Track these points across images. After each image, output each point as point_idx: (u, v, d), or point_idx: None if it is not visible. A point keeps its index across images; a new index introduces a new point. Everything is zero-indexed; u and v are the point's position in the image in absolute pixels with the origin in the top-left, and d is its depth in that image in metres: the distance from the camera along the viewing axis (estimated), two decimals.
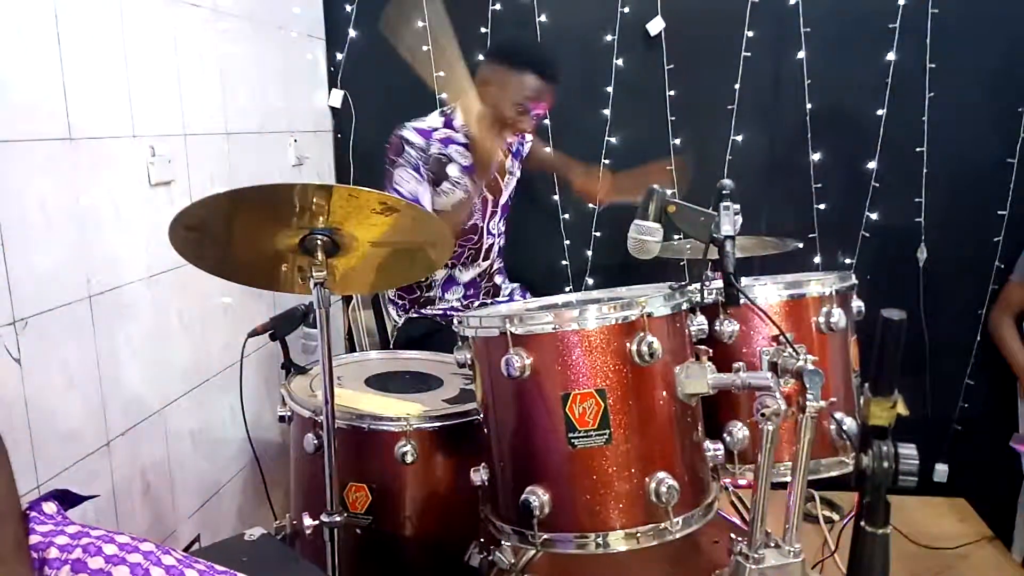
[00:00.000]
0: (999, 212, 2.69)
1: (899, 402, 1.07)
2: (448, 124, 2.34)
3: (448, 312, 2.42)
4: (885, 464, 1.07)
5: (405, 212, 1.45)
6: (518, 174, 2.55)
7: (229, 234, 1.45)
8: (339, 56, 2.87)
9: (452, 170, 2.31)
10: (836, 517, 2.50)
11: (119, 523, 1.73)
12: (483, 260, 2.48)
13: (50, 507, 1.08)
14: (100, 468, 1.68)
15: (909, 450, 1.08)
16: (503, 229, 2.54)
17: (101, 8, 1.67)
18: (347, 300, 2.70)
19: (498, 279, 2.57)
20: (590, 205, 2.84)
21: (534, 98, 2.20)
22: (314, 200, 1.36)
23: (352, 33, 2.85)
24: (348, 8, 2.83)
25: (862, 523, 1.11)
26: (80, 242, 1.62)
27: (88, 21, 1.62)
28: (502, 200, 2.48)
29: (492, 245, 2.49)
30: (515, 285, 2.62)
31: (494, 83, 2.23)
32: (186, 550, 1.32)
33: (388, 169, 2.27)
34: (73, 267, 1.60)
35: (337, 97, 2.89)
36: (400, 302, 2.48)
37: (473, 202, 2.32)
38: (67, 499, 1.13)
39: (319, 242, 1.41)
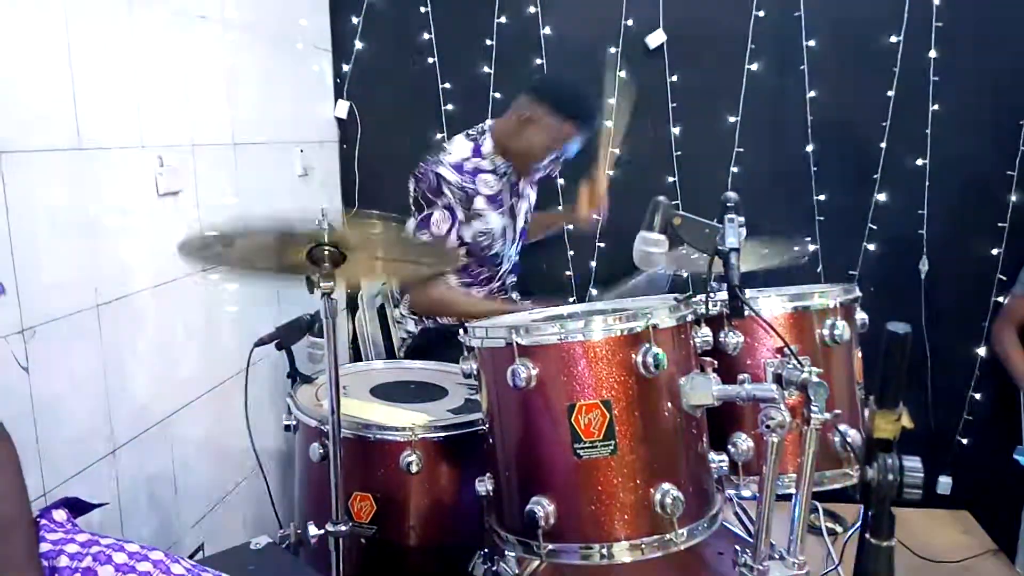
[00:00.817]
0: (999, 224, 2.70)
1: (904, 415, 1.08)
2: (476, 152, 2.30)
3: (464, 320, 2.41)
4: (890, 477, 1.07)
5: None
6: (532, 200, 2.55)
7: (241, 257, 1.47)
8: (345, 68, 2.89)
9: (478, 202, 2.27)
10: (839, 529, 2.50)
11: (124, 531, 1.74)
12: (496, 281, 2.49)
13: (60, 515, 1.09)
14: (106, 476, 1.69)
15: (914, 463, 1.08)
16: (515, 256, 2.55)
17: (111, 19, 1.69)
18: (352, 309, 2.71)
19: (514, 296, 2.59)
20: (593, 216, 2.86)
21: (570, 143, 2.25)
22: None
23: (358, 45, 2.87)
24: (355, 20, 2.85)
25: (867, 535, 1.11)
26: (88, 251, 1.63)
27: (98, 32, 1.64)
28: (518, 225, 2.48)
29: (506, 270, 2.50)
30: (527, 301, 2.62)
31: (535, 124, 2.21)
32: (190, 559, 1.33)
33: (423, 205, 2.24)
34: (81, 276, 1.61)
35: (343, 108, 2.91)
36: (415, 316, 2.48)
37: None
38: (77, 507, 1.13)
39: (326, 252, 1.42)
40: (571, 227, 2.85)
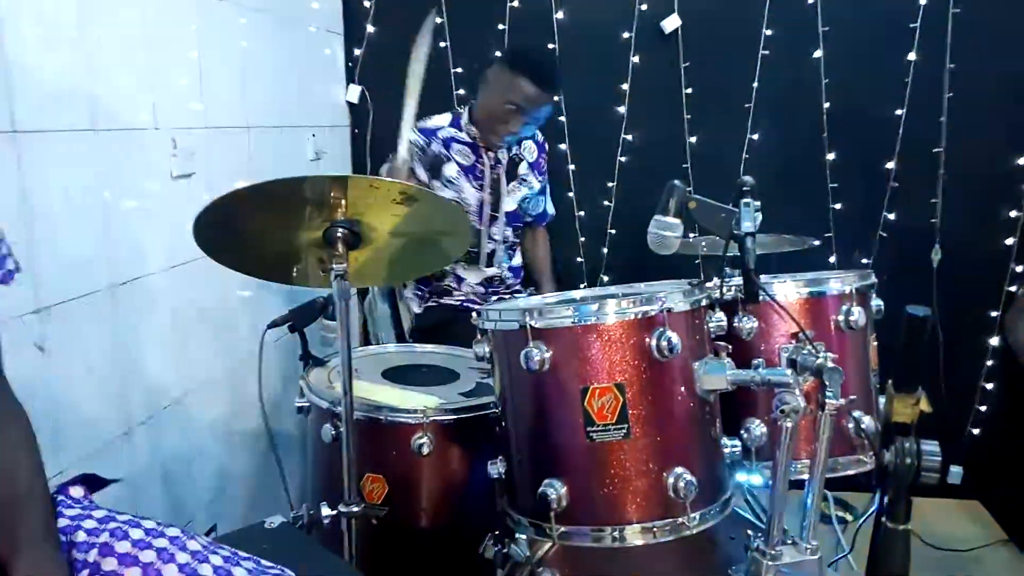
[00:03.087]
0: (1012, 214, 2.68)
1: (923, 399, 1.07)
2: (455, 123, 2.44)
3: (465, 303, 2.43)
4: (908, 461, 1.07)
5: (424, 201, 1.47)
6: (535, 186, 2.56)
7: (252, 229, 1.47)
8: (357, 52, 2.89)
9: (449, 169, 2.38)
10: (849, 517, 2.50)
11: (137, 511, 1.73)
12: (485, 266, 2.48)
13: (77, 491, 1.09)
14: (120, 455, 1.70)
15: (932, 447, 1.08)
16: (509, 237, 2.53)
17: (125, 1, 1.68)
18: (363, 293, 2.72)
19: (508, 279, 2.59)
20: (605, 203, 2.86)
21: (526, 102, 2.27)
22: (332, 194, 1.38)
23: (370, 29, 2.86)
24: (367, 3, 2.84)
25: (883, 519, 1.11)
26: (103, 233, 1.63)
27: (112, 14, 1.64)
28: (506, 207, 2.48)
29: (494, 251, 2.49)
30: None
31: (492, 82, 2.34)
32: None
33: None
34: (96, 257, 1.62)
35: (355, 92, 2.90)
36: (420, 293, 2.51)
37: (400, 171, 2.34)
38: (92, 483, 1.14)
39: (340, 234, 1.43)
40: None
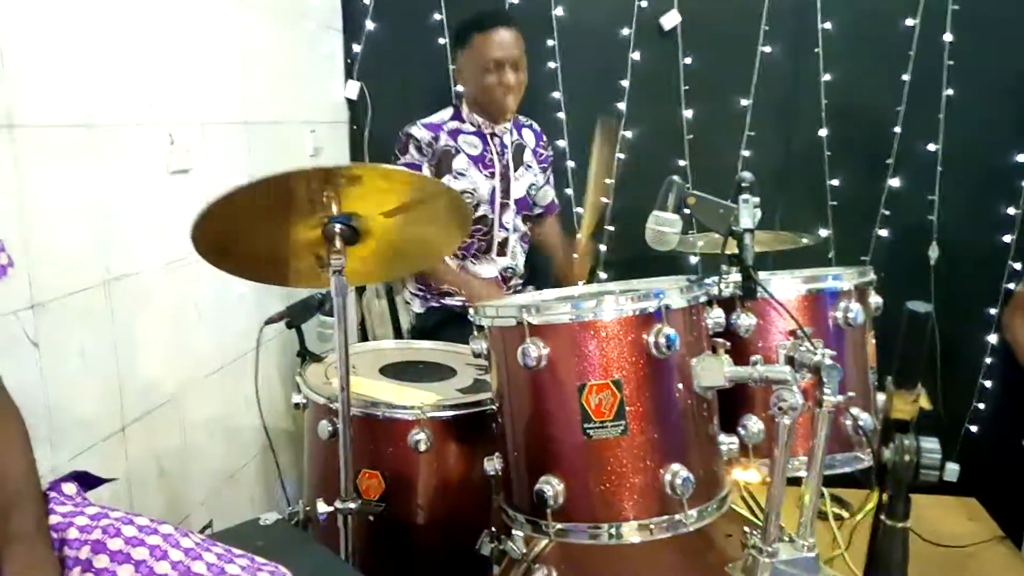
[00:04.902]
0: (1010, 211, 2.68)
1: (923, 395, 1.07)
2: (457, 116, 2.45)
3: (467, 303, 2.43)
4: (907, 458, 1.07)
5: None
6: (539, 175, 2.57)
7: (250, 230, 1.46)
8: (356, 48, 2.87)
9: (459, 162, 2.39)
10: (845, 514, 2.50)
11: (133, 507, 1.74)
12: (498, 255, 2.47)
13: (70, 488, 1.09)
14: (115, 453, 1.70)
15: (931, 444, 1.07)
16: (520, 225, 2.54)
17: None
18: (360, 290, 2.71)
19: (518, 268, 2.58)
20: (603, 199, 2.85)
21: (501, 50, 2.33)
22: (325, 193, 1.38)
23: (369, 25, 2.85)
24: (366, 0, 2.83)
25: (882, 517, 1.10)
26: (99, 228, 1.63)
27: (109, 8, 1.63)
28: (515, 194, 2.49)
29: (507, 239, 2.48)
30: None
31: (465, 61, 2.42)
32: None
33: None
34: (91, 253, 1.61)
35: (353, 89, 2.89)
36: (421, 293, 2.49)
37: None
38: (86, 481, 1.14)
39: (338, 230, 1.42)
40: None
